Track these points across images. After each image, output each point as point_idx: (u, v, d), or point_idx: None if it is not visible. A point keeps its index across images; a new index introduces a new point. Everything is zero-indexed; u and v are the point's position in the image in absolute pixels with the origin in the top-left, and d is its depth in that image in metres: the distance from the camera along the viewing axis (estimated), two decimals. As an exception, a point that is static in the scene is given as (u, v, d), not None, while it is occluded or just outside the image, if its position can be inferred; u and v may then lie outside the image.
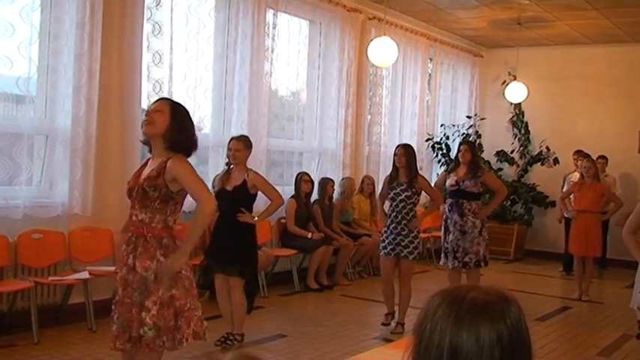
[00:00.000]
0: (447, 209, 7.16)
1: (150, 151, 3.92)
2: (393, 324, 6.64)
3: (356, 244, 9.17)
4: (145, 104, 6.80)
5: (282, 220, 8.56)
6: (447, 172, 7.38)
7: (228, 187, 5.79)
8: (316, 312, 7.57)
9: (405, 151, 6.54)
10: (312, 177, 8.83)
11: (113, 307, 3.86)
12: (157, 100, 4.00)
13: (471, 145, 7.47)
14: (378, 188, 9.19)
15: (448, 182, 7.17)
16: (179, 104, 3.98)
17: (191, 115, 4.00)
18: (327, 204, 9.00)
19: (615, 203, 8.74)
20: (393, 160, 6.61)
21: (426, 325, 1.46)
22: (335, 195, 9.21)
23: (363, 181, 9.77)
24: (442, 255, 7.24)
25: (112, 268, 5.67)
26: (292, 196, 8.51)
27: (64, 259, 6.32)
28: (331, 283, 8.75)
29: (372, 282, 9.21)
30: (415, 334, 1.48)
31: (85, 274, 6.12)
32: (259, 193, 5.91)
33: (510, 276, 10.50)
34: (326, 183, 8.98)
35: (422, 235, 7.42)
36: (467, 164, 7.10)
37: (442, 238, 7.26)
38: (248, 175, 5.76)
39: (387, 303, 6.76)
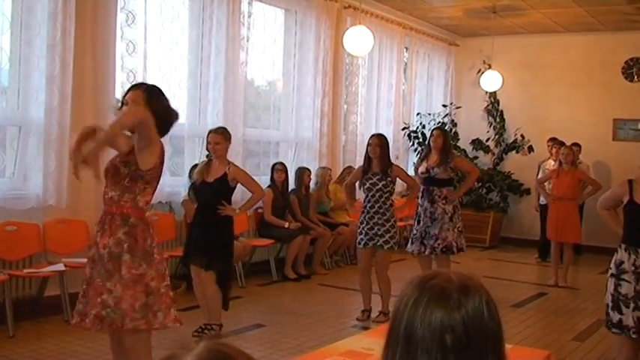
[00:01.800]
0: (420, 197, 7.18)
1: None
2: (369, 319, 6.64)
3: (333, 234, 9.19)
4: (119, 94, 6.75)
5: (260, 210, 8.54)
6: (420, 159, 7.41)
7: (209, 180, 5.77)
8: (294, 301, 7.58)
9: (379, 141, 6.54)
10: (289, 167, 8.82)
11: (83, 285, 3.82)
12: (131, 89, 3.97)
13: (443, 131, 7.48)
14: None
15: (420, 169, 7.20)
16: (150, 86, 3.96)
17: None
18: (303, 194, 8.99)
19: (593, 186, 8.83)
20: (366, 150, 6.61)
21: (395, 309, 1.48)
22: (311, 185, 9.21)
23: (343, 172, 9.77)
24: (410, 241, 7.28)
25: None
26: (269, 186, 8.50)
27: (39, 251, 6.27)
28: (309, 272, 8.76)
29: (350, 271, 9.24)
30: (389, 319, 1.50)
31: (60, 267, 6.07)
32: (238, 185, 5.89)
33: (486, 263, 10.58)
34: (302, 172, 8.98)
35: (399, 223, 7.43)
36: (438, 150, 7.11)
37: (414, 224, 7.31)
38: (229, 168, 5.75)
39: (364, 298, 6.74)
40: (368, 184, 6.55)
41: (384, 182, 6.47)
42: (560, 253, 8.85)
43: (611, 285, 4.45)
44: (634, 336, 4.34)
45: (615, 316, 4.40)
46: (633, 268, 4.35)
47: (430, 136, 7.39)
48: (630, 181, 4.45)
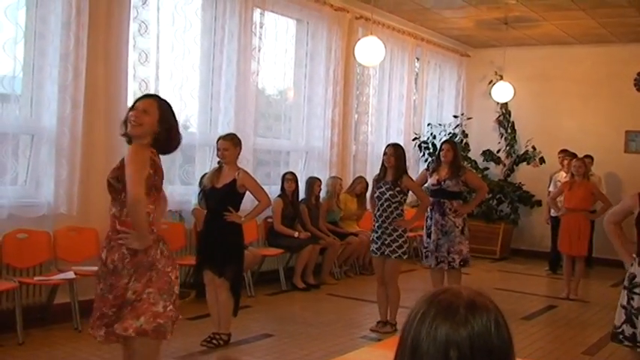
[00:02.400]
0: (429, 209, 7.16)
1: (128, 143, 3.83)
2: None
3: (342, 244, 9.18)
4: (130, 103, 6.78)
5: (269, 220, 8.55)
6: (428, 170, 7.40)
7: (218, 185, 5.78)
8: (303, 311, 7.57)
9: (395, 151, 6.54)
10: (299, 176, 8.83)
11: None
12: (144, 97, 3.94)
13: (453, 144, 7.46)
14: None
15: (430, 182, 7.18)
16: (165, 102, 3.89)
17: (176, 114, 3.95)
18: (313, 203, 9.00)
19: (604, 203, 8.76)
20: (382, 159, 6.62)
21: (405, 322, 1.48)
22: (322, 194, 9.21)
23: (354, 182, 9.77)
24: (424, 255, 7.27)
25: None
26: (279, 196, 8.51)
27: (50, 258, 6.29)
28: (318, 282, 8.75)
29: (359, 281, 9.23)
30: (400, 331, 1.51)
31: (70, 274, 6.09)
32: (248, 193, 5.90)
33: (496, 275, 10.53)
34: (313, 182, 8.98)
35: (410, 234, 7.41)
36: (448, 163, 7.10)
37: (424, 237, 7.29)
38: (238, 174, 5.75)
39: (380, 308, 6.70)
40: (378, 193, 6.56)
41: (391, 192, 6.46)
42: (572, 266, 8.80)
43: (624, 298, 4.41)
44: None
45: (628, 330, 4.36)
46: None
47: (440, 149, 7.37)
48: None
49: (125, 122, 3.77)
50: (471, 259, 7.27)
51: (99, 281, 3.76)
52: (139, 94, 6.75)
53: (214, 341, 5.81)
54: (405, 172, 6.57)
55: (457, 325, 1.40)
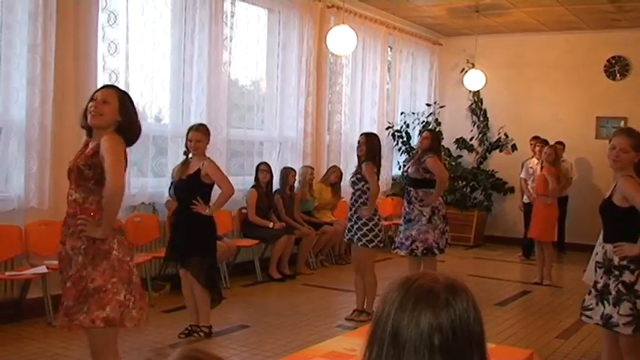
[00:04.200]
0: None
1: (88, 135, 3.85)
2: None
3: (317, 233, 9.18)
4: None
5: (244, 211, 8.52)
6: (408, 160, 7.41)
7: (184, 177, 5.74)
8: (279, 302, 7.56)
9: (365, 140, 6.53)
10: (273, 167, 8.80)
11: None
12: (102, 88, 3.92)
13: (433, 133, 7.45)
14: (345, 177, 9.20)
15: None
16: (124, 92, 3.93)
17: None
18: (288, 193, 8.98)
19: (552, 186, 8.62)
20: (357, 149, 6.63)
21: (378, 309, 1.48)
22: (296, 184, 9.20)
23: (328, 171, 9.77)
24: (395, 242, 7.27)
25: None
26: (253, 186, 8.48)
27: (21, 253, 6.21)
28: (293, 272, 8.75)
29: (335, 271, 9.25)
30: (372, 319, 1.50)
31: (42, 269, 6.02)
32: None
33: (470, 261, 10.61)
34: (287, 172, 8.96)
35: (384, 222, 7.37)
36: (422, 151, 7.08)
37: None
38: (203, 164, 5.70)
39: (357, 297, 6.71)
40: (350, 182, 6.59)
41: (354, 179, 6.51)
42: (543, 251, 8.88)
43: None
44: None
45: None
46: (602, 260, 4.36)
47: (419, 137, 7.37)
48: None
49: (85, 113, 3.76)
50: (444, 249, 7.10)
51: (60, 271, 3.78)
52: (110, 86, 6.68)
53: (195, 334, 5.78)
54: (372, 159, 6.46)
55: (439, 310, 1.40)
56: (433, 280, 1.46)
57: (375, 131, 10.80)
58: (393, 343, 1.42)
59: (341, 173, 9.71)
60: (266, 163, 8.70)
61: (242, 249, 8.28)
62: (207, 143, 5.85)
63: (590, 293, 4.45)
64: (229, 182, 5.83)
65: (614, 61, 11.63)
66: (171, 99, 7.79)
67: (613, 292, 4.22)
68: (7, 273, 5.96)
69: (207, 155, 5.86)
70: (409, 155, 8.13)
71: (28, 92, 6.07)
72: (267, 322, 6.50)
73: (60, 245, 3.80)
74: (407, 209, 7.03)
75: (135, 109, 3.87)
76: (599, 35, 11.62)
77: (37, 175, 6.18)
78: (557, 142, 10.22)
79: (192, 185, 5.69)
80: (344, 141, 10.37)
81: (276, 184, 8.88)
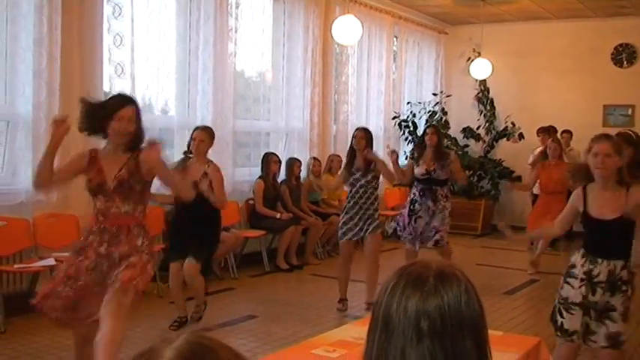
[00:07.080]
0: (417, 195, 7.15)
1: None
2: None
3: (325, 224, 9.18)
4: (106, 87, 6.72)
5: (251, 202, 8.53)
6: (413, 158, 7.37)
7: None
8: (286, 292, 7.58)
9: (365, 135, 6.52)
10: (280, 157, 8.80)
11: (69, 289, 4.01)
12: (124, 104, 4.11)
13: (437, 128, 7.62)
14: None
15: (418, 171, 7.16)
16: (137, 103, 4.26)
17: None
18: (294, 184, 8.99)
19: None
20: (351, 142, 6.59)
21: (377, 295, 1.49)
22: (302, 174, 9.20)
23: (330, 160, 9.74)
24: (407, 239, 7.23)
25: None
26: (260, 177, 8.49)
27: (30, 246, 6.24)
28: (301, 262, 8.77)
29: (342, 261, 9.24)
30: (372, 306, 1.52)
31: (51, 261, 6.03)
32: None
33: (478, 250, 10.60)
34: (293, 163, 8.97)
35: (389, 212, 7.39)
36: (433, 147, 7.14)
37: (407, 221, 7.21)
38: (208, 167, 5.76)
39: (340, 287, 6.75)
40: (352, 180, 6.54)
41: (367, 178, 6.47)
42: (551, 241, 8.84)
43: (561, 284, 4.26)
44: (576, 340, 4.14)
45: (558, 319, 4.21)
46: (583, 276, 4.14)
47: (424, 134, 7.43)
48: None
49: (103, 128, 4.10)
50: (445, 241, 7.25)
51: (81, 273, 4.01)
52: (115, 78, 6.70)
53: (194, 315, 5.96)
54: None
55: (427, 295, 1.41)
56: (424, 266, 1.47)
57: (381, 121, 10.91)
58: (384, 327, 1.44)
59: (341, 160, 9.69)
60: (275, 154, 8.70)
61: (249, 240, 8.30)
62: (210, 146, 5.92)
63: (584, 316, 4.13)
64: (225, 197, 6.03)
65: (621, 49, 11.58)
66: (177, 91, 7.79)
67: (620, 308, 4.00)
68: (15, 266, 5.99)
69: (209, 156, 5.95)
70: (415, 146, 8.12)
71: (34, 86, 6.08)
72: (274, 312, 6.52)
73: (92, 256, 4.00)
74: (431, 206, 7.08)
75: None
76: (605, 23, 11.56)
77: (44, 167, 6.18)
78: (564, 131, 10.18)
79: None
80: (350, 131, 10.29)
81: (282, 175, 8.88)
